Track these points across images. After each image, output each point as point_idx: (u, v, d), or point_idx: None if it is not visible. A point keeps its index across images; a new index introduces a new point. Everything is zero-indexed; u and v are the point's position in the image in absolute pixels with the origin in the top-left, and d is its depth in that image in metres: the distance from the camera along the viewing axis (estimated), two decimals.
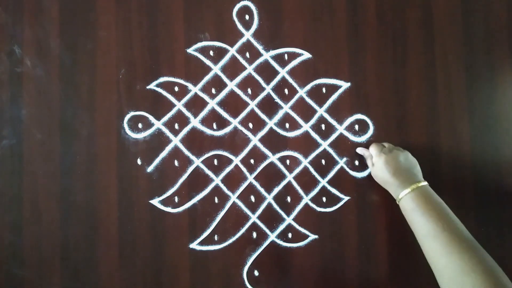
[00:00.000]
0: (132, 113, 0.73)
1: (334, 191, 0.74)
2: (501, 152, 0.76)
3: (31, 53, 0.72)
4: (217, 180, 0.73)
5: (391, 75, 0.76)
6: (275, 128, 0.74)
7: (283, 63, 0.75)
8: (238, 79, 0.74)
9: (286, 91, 0.75)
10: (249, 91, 0.74)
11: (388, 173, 0.66)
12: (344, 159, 0.75)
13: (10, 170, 0.72)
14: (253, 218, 0.73)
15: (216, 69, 0.74)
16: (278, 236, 0.73)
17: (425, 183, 0.65)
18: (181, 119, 0.73)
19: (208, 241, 0.73)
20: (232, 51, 0.75)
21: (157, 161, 0.73)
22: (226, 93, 0.74)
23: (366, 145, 0.75)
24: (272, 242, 0.73)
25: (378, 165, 0.68)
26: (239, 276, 0.72)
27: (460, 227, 0.58)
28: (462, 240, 0.55)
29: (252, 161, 0.74)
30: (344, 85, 0.75)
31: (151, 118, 0.73)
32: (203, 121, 0.74)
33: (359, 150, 0.74)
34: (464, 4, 0.77)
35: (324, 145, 0.75)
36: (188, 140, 0.73)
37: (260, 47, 0.75)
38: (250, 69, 0.75)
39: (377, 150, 0.70)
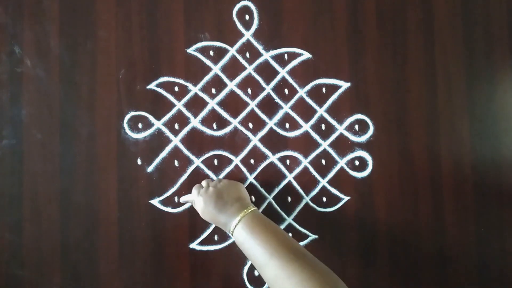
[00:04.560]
0: (132, 113, 0.73)
1: (334, 191, 0.74)
2: (501, 152, 0.76)
3: (31, 53, 0.72)
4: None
5: (391, 75, 0.76)
6: (275, 128, 0.74)
7: (283, 63, 0.75)
8: (238, 79, 0.74)
9: (286, 91, 0.75)
10: (249, 91, 0.74)
11: (213, 209, 0.61)
12: (344, 159, 0.75)
13: (10, 170, 0.71)
14: None
15: (216, 69, 0.74)
16: None
17: (254, 208, 0.61)
18: (181, 119, 0.73)
19: (208, 241, 0.73)
20: (232, 51, 0.75)
21: (157, 161, 0.73)
22: (226, 93, 0.74)
23: (366, 145, 0.75)
24: None
25: (200, 206, 0.63)
26: (239, 276, 0.72)
27: (292, 248, 0.53)
28: (293, 262, 0.50)
29: (252, 161, 0.74)
30: (344, 85, 0.75)
31: (151, 118, 0.73)
32: (203, 121, 0.74)
33: (182, 199, 0.71)
34: (464, 5, 0.77)
35: (324, 145, 0.75)
36: (188, 140, 0.73)
37: (260, 47, 0.75)
38: (250, 69, 0.75)
39: (195, 193, 0.66)
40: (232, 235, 0.59)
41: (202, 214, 0.64)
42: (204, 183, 0.67)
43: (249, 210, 0.60)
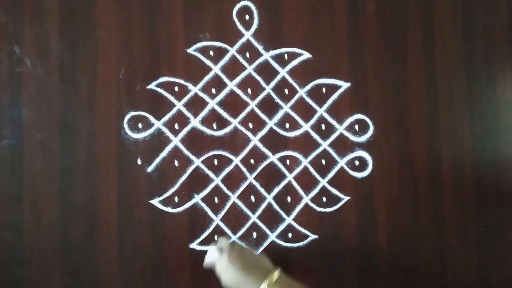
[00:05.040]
0: (132, 113, 0.73)
1: (334, 191, 0.74)
2: (501, 152, 0.76)
3: (31, 53, 0.72)
4: (217, 180, 0.73)
5: (391, 75, 0.76)
6: (275, 128, 0.74)
7: (283, 63, 0.75)
8: (238, 79, 0.74)
9: (286, 91, 0.75)
10: (249, 91, 0.74)
11: (235, 273, 0.57)
12: (344, 159, 0.75)
13: (10, 170, 0.71)
14: (253, 218, 0.73)
15: (216, 69, 0.74)
16: (278, 236, 0.73)
17: (278, 269, 0.58)
18: (181, 119, 0.73)
19: (208, 241, 0.73)
20: (232, 51, 0.75)
21: (157, 161, 0.73)
22: (226, 93, 0.74)
23: (366, 145, 0.75)
24: (272, 242, 0.73)
25: (222, 268, 0.60)
26: None
27: None
28: None
29: (252, 161, 0.74)
30: (344, 85, 0.75)
31: (151, 118, 0.73)
32: (203, 121, 0.74)
33: (206, 263, 0.65)
34: (464, 4, 0.77)
35: (324, 145, 0.75)
36: (188, 140, 0.73)
37: (260, 47, 0.75)
38: (250, 69, 0.75)
39: (215, 254, 0.62)
40: None
41: (223, 277, 0.60)
42: (223, 242, 0.63)
43: (274, 279, 0.56)
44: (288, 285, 0.57)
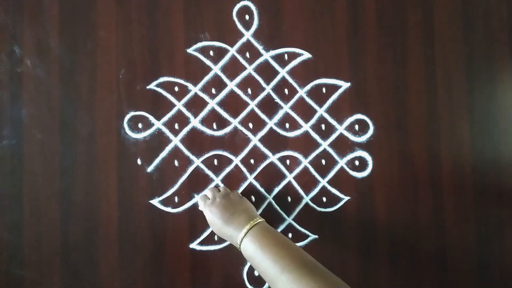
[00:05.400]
0: (132, 113, 0.73)
1: (334, 191, 0.74)
2: (501, 152, 0.76)
3: (31, 53, 0.72)
4: (217, 180, 0.73)
5: (391, 75, 0.76)
6: (275, 128, 0.74)
7: (283, 63, 0.75)
8: (238, 79, 0.74)
9: (286, 91, 0.75)
10: (249, 91, 0.74)
11: (219, 220, 0.61)
12: (344, 159, 0.75)
13: (10, 170, 0.71)
14: None
15: (216, 69, 0.74)
16: None
17: (261, 219, 0.60)
18: (181, 119, 0.73)
19: (208, 241, 0.73)
20: (232, 51, 0.75)
21: (157, 161, 0.73)
22: (226, 93, 0.74)
23: (366, 145, 0.75)
24: None
25: (208, 217, 0.63)
26: (239, 276, 0.72)
27: (303, 261, 0.52)
28: (305, 276, 0.49)
29: (252, 161, 0.74)
30: (344, 85, 0.75)
31: (151, 118, 0.73)
32: (203, 121, 0.74)
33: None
34: (464, 4, 0.77)
35: (324, 145, 0.75)
36: (188, 140, 0.73)
37: (260, 47, 0.75)
38: (250, 69, 0.75)
39: (201, 204, 0.66)
40: (239, 248, 0.58)
41: (210, 225, 0.64)
42: (210, 193, 0.67)
43: (256, 222, 0.59)
44: (271, 234, 0.57)
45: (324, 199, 0.74)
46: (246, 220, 0.59)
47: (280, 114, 0.75)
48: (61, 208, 0.72)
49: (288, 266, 0.51)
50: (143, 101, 0.73)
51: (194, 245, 0.72)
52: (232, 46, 0.75)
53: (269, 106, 0.74)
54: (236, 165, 0.74)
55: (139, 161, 0.73)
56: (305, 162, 0.74)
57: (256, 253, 0.54)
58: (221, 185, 0.73)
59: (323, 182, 0.74)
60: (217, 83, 0.74)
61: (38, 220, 0.71)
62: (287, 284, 0.49)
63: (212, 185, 0.73)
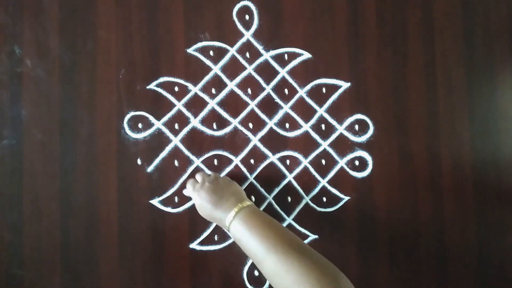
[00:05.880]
0: (132, 113, 0.73)
1: (334, 191, 0.74)
2: (501, 152, 0.76)
3: (31, 53, 0.72)
4: None
5: (391, 75, 0.76)
6: (275, 128, 0.74)
7: (283, 63, 0.75)
8: (238, 79, 0.74)
9: (286, 91, 0.75)
10: (249, 91, 0.74)
11: (208, 204, 0.60)
12: (344, 159, 0.75)
13: (10, 170, 0.71)
14: None
15: (216, 69, 0.74)
16: None
17: (250, 202, 0.60)
18: (181, 119, 0.73)
19: (208, 241, 0.73)
20: (232, 51, 0.75)
21: (157, 161, 0.73)
22: (226, 93, 0.74)
23: (366, 145, 0.75)
24: None
25: (196, 202, 0.63)
26: (239, 276, 0.72)
27: (290, 241, 0.52)
28: (291, 256, 0.49)
29: (252, 161, 0.74)
30: (344, 85, 0.75)
31: (151, 118, 0.73)
32: (203, 121, 0.74)
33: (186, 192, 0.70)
34: (464, 4, 0.77)
35: (324, 145, 0.75)
36: (188, 140, 0.73)
37: (260, 47, 0.75)
38: (250, 69, 0.75)
39: (190, 189, 0.66)
40: (229, 231, 0.58)
41: (199, 210, 0.63)
42: (199, 178, 0.67)
43: (245, 205, 0.59)
44: (259, 216, 0.57)
45: (324, 199, 0.74)
46: (235, 203, 0.59)
47: (280, 114, 0.75)
48: (61, 208, 0.72)
49: (273, 247, 0.51)
50: (143, 101, 0.73)
51: (194, 245, 0.72)
52: (232, 46, 0.75)
53: (269, 106, 0.74)
54: (236, 165, 0.74)
55: (139, 161, 0.73)
56: (305, 162, 0.74)
57: (243, 235, 0.55)
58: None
59: (323, 182, 0.74)
60: (217, 83, 0.74)
61: (38, 220, 0.71)
62: (272, 264, 0.50)
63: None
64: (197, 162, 0.73)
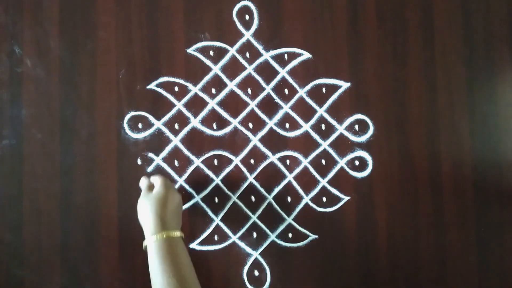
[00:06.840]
0: (132, 113, 0.73)
1: (334, 191, 0.74)
2: (501, 152, 0.76)
3: (31, 53, 0.72)
4: (217, 180, 0.73)
5: (391, 75, 0.76)
6: (275, 128, 0.74)
7: (283, 63, 0.75)
8: (238, 79, 0.74)
9: (286, 91, 0.75)
10: (249, 91, 0.74)
11: (150, 213, 0.60)
12: (344, 159, 0.75)
13: (10, 170, 0.71)
14: (253, 218, 0.73)
15: (216, 69, 0.74)
16: (278, 236, 0.73)
17: (180, 234, 0.61)
18: (181, 119, 0.73)
19: (208, 241, 0.73)
20: (232, 51, 0.75)
21: (157, 161, 0.73)
22: (226, 93, 0.74)
23: (366, 145, 0.75)
24: (272, 242, 0.73)
25: (141, 204, 0.63)
26: (239, 276, 0.72)
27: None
28: None
29: (252, 161, 0.74)
30: (344, 85, 0.75)
31: (151, 118, 0.73)
32: (203, 121, 0.74)
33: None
34: (464, 4, 0.77)
35: (324, 145, 0.75)
36: (188, 140, 0.73)
37: (260, 47, 0.75)
38: (250, 69, 0.75)
39: (144, 185, 0.65)
40: (147, 243, 0.59)
41: (138, 209, 0.63)
42: (157, 182, 0.64)
43: (176, 235, 0.60)
44: (175, 252, 0.58)
45: (324, 199, 0.74)
46: (170, 227, 0.60)
47: (280, 114, 0.75)
48: (61, 208, 0.72)
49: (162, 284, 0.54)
50: (143, 101, 0.73)
51: (194, 245, 0.72)
52: (232, 46, 0.75)
53: (269, 106, 0.74)
54: (236, 165, 0.74)
55: (139, 161, 0.73)
56: (305, 162, 0.74)
57: (158, 258, 0.57)
58: (222, 185, 0.73)
59: (323, 182, 0.74)
60: (217, 83, 0.74)
61: (38, 220, 0.71)
62: None
63: (213, 185, 0.73)
64: (197, 162, 0.73)
